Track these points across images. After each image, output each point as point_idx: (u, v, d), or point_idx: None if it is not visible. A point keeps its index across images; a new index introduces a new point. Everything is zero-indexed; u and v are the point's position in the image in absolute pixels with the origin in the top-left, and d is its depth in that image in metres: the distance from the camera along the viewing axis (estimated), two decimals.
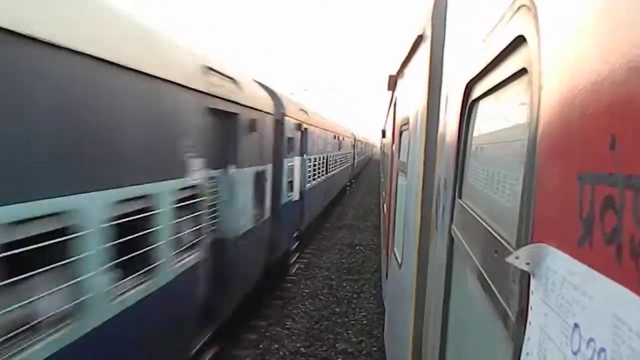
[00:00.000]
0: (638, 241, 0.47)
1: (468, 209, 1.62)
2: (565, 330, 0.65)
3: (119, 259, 3.87)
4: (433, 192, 3.09)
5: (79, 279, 3.35)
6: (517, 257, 0.81)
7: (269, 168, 9.42)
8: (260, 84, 9.75)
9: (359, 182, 42.78)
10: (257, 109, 8.14)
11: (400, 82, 6.33)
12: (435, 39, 3.24)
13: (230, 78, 6.71)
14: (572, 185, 0.65)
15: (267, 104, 9.18)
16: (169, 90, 4.74)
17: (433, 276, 2.76)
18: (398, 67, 6.18)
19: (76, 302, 3.34)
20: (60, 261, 3.17)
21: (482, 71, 1.56)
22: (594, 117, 0.60)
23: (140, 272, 4.32)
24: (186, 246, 5.31)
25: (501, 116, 1.34)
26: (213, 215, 6.41)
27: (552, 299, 0.70)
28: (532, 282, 0.81)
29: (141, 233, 4.26)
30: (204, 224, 5.80)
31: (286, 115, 10.74)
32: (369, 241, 18.26)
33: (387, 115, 11.93)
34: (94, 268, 3.52)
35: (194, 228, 5.52)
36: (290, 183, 11.88)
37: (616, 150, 0.53)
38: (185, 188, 5.13)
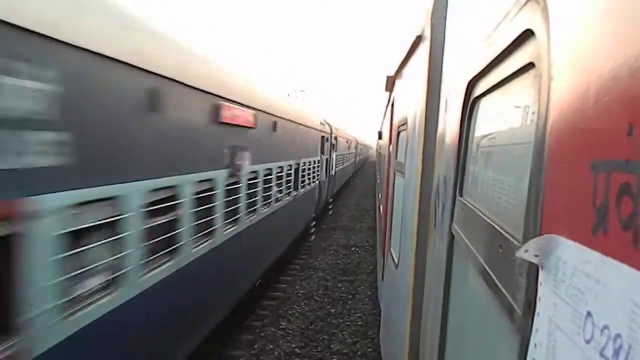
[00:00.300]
0: None
1: (470, 206, 1.62)
2: (576, 320, 0.65)
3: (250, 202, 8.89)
4: (431, 192, 3.10)
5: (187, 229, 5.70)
6: (526, 250, 0.81)
7: (325, 158, 20.45)
8: (325, 120, 21.34)
9: (355, 182, 43.78)
10: (327, 132, 20.44)
11: (398, 83, 6.35)
12: (435, 38, 3.25)
13: (327, 123, 21.40)
14: (585, 175, 0.65)
15: (328, 129, 21.12)
16: (317, 132, 17.23)
17: (431, 274, 2.76)
18: (396, 67, 6.19)
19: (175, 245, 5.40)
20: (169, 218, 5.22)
21: (484, 68, 1.56)
22: (610, 105, 0.60)
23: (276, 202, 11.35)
24: (314, 178, 17.23)
25: (506, 111, 1.34)
26: (325, 167, 19.82)
27: (563, 289, 0.70)
28: (541, 273, 0.81)
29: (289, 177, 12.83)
30: (321, 173, 18.57)
31: (332, 133, 22.71)
32: (364, 242, 18.27)
33: (384, 117, 11.96)
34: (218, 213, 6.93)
35: (319, 171, 18.23)
36: (329, 164, 22.45)
37: (634, 137, 0.53)
38: (316, 161, 17.30)
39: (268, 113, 9.40)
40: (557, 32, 0.84)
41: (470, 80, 1.84)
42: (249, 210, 8.58)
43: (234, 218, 7.59)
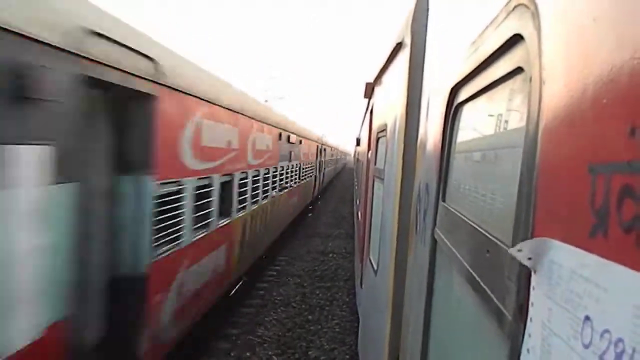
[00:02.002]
0: None
1: (454, 211, 1.62)
2: (574, 324, 0.64)
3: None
4: (412, 197, 3.10)
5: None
6: (519, 252, 0.80)
7: (318, 161, 28.11)
8: (320, 136, 30.60)
9: (335, 183, 45.78)
10: (322, 143, 30.84)
11: (377, 90, 6.38)
12: (415, 45, 3.27)
13: (333, 148, 44.56)
14: (583, 178, 0.65)
15: (321, 141, 29.85)
16: (315, 144, 26.64)
17: (412, 280, 2.76)
18: (375, 74, 6.23)
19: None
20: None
21: (469, 74, 1.57)
22: (610, 107, 0.60)
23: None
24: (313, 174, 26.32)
25: (492, 116, 1.35)
26: (320, 165, 29.69)
27: (558, 294, 0.69)
28: (533, 277, 0.80)
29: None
30: (315, 171, 27.55)
31: (323, 144, 30.99)
32: (342, 249, 18.27)
33: (363, 123, 12.03)
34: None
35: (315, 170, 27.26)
36: (321, 167, 29.81)
37: (636, 138, 0.53)
38: (314, 162, 26.29)
39: (299, 135, 18.72)
40: (549, 37, 0.85)
41: (454, 87, 1.85)
42: (291, 181, 17.24)
43: (288, 182, 16.52)
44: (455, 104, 1.86)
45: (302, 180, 20.82)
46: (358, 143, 15.55)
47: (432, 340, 2.00)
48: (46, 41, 3.48)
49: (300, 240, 19.57)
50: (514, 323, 0.90)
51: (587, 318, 0.61)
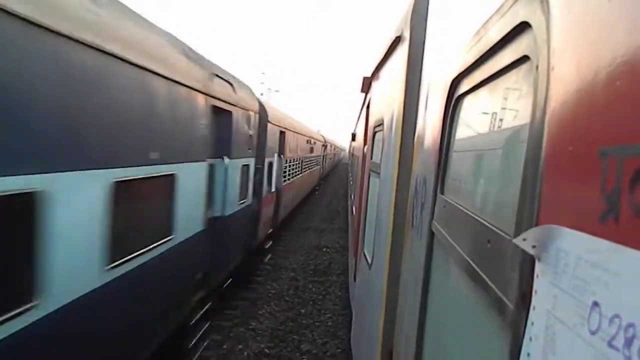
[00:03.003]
0: None
1: (454, 203, 1.61)
2: (581, 311, 0.63)
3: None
4: (408, 191, 3.10)
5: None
6: (523, 240, 0.79)
7: (322, 155, 36.61)
8: (322, 135, 42.37)
9: (327, 182, 46.28)
10: (325, 142, 40.94)
11: (374, 84, 6.36)
12: (414, 39, 3.26)
13: (323, 136, 42.87)
14: (594, 162, 0.64)
15: (323, 139, 39.02)
16: (320, 142, 35.21)
17: (407, 273, 2.75)
18: (373, 69, 6.21)
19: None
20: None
21: (471, 65, 1.56)
22: (623, 90, 0.59)
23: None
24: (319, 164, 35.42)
25: (494, 105, 1.34)
26: (324, 157, 41.14)
27: (565, 281, 0.69)
28: (537, 265, 0.80)
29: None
30: (320, 162, 36.69)
31: (327, 142, 43.51)
32: (335, 243, 18.30)
33: (359, 118, 12.00)
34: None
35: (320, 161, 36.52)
36: (324, 159, 40.39)
37: None
38: (319, 156, 34.11)
39: (314, 138, 27.43)
40: (558, 23, 0.84)
41: (454, 79, 1.84)
42: (309, 166, 25.72)
43: (305, 168, 24.04)
44: (455, 96, 1.85)
45: (317, 165, 34.17)
46: (353, 138, 15.55)
47: (428, 333, 2.00)
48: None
49: (295, 235, 19.58)
50: (515, 312, 0.89)
51: (595, 304, 0.60)
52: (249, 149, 10.77)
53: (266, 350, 8.92)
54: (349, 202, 20.26)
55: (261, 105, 12.42)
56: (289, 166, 18.20)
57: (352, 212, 12.22)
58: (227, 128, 8.72)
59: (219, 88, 8.03)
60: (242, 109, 9.75)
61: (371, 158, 6.06)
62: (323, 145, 37.51)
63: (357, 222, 8.22)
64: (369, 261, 4.97)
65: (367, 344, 4.54)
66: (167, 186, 5.90)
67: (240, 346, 8.99)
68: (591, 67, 0.68)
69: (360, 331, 5.58)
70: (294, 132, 19.87)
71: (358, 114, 12.54)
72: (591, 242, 0.63)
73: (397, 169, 3.39)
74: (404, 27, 3.67)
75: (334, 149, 60.74)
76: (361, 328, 5.53)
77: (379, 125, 5.05)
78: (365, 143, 7.51)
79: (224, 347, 8.92)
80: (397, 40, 3.99)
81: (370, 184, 5.99)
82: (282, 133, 15.78)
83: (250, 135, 10.77)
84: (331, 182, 48.45)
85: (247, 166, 10.68)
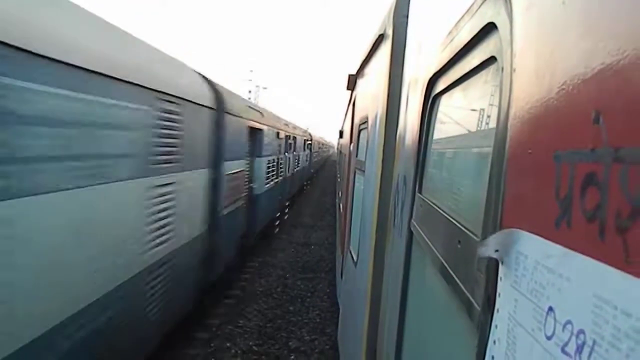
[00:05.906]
0: (625, 215, 0.45)
1: (429, 202, 1.61)
2: (537, 315, 0.63)
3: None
4: (391, 190, 3.10)
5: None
6: (486, 244, 0.79)
7: (307, 152, 34.48)
8: (308, 132, 39.46)
9: (318, 175, 48.22)
10: (309, 138, 36.01)
11: (359, 82, 6.36)
12: (397, 37, 3.26)
13: (309, 133, 39.45)
14: (549, 166, 0.64)
15: (309, 137, 36.15)
16: (302, 139, 31.16)
17: (390, 272, 2.76)
18: (358, 66, 6.20)
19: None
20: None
21: (444, 65, 1.56)
22: (575, 94, 0.59)
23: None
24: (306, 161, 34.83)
25: (465, 106, 1.34)
26: (311, 155, 38.22)
27: (524, 285, 0.69)
28: (501, 268, 0.80)
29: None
30: (307, 159, 36.40)
31: (312, 138, 38.94)
32: (324, 240, 18.31)
33: (345, 115, 12.00)
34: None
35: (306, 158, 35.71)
36: (310, 156, 36.99)
37: (600, 125, 0.51)
38: (304, 153, 32.69)
39: (296, 135, 25.43)
40: (520, 24, 0.83)
41: (431, 78, 1.84)
42: (300, 161, 26.99)
43: (305, 161, 29.84)
44: (432, 95, 1.85)
45: (305, 163, 34.30)
46: (341, 135, 15.45)
47: (407, 332, 2.00)
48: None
49: (283, 232, 19.55)
50: (482, 314, 0.89)
51: (550, 309, 0.60)
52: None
53: (254, 348, 8.91)
54: (336, 199, 20.31)
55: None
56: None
57: (340, 210, 12.24)
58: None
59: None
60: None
61: (356, 156, 6.06)
62: (308, 142, 35.51)
63: (343, 219, 8.23)
64: (355, 259, 4.98)
65: (353, 340, 4.55)
66: None
67: (228, 344, 8.96)
68: (548, 70, 0.67)
69: (346, 328, 5.59)
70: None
71: (345, 112, 12.54)
72: (547, 246, 0.62)
73: (380, 167, 3.39)
74: (387, 24, 3.66)
75: (321, 145, 60.11)
76: (347, 324, 5.54)
77: (364, 123, 5.05)
78: (351, 140, 7.51)
79: (212, 345, 8.88)
80: (381, 38, 3.99)
81: (355, 182, 6.00)
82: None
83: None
84: (319, 180, 48.47)
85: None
